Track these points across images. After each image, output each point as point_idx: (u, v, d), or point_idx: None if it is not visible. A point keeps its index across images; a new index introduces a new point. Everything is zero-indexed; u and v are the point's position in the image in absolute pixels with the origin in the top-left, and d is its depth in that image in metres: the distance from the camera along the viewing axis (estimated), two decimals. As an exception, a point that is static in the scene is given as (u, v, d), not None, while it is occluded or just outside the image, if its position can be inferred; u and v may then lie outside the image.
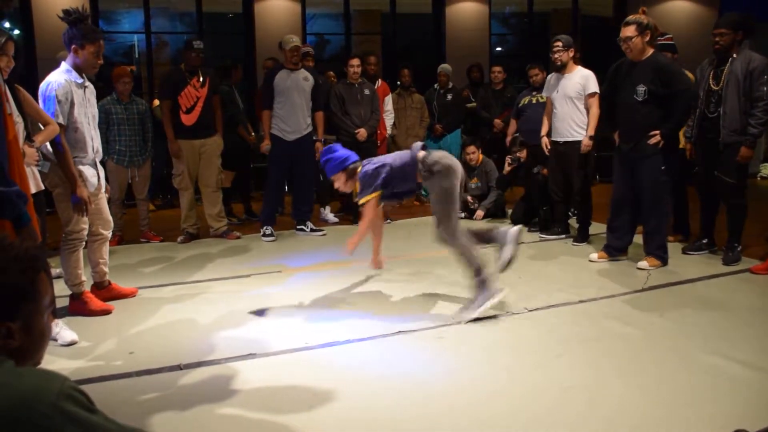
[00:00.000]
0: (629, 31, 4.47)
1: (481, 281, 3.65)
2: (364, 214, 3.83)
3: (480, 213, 6.57)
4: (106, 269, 4.18)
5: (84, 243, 3.92)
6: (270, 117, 5.89)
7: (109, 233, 4.14)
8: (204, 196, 5.93)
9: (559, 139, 5.46)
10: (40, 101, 3.63)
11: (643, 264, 4.65)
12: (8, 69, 3.24)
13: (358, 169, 3.85)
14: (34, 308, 1.28)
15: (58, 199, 3.82)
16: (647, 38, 4.47)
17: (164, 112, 5.71)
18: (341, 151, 3.93)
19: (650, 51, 4.52)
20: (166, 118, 5.69)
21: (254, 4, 9.27)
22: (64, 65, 3.75)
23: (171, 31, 10.91)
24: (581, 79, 5.34)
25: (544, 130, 5.65)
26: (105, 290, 4.17)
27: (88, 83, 3.87)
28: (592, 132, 5.31)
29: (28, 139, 3.34)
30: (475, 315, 3.59)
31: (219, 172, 5.93)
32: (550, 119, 5.58)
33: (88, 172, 3.83)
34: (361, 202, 3.80)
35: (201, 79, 5.72)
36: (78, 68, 3.75)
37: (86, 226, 3.87)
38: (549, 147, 5.59)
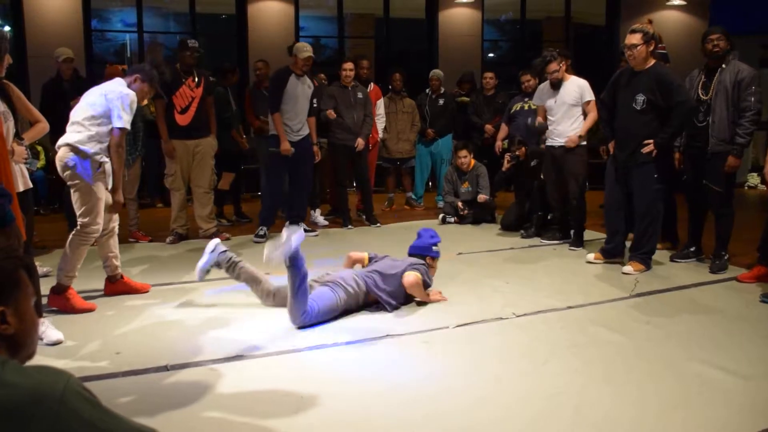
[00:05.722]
0: (635, 38, 4.44)
1: None
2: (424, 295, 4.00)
3: (482, 197, 6.59)
4: (118, 263, 4.18)
5: (94, 240, 3.92)
6: (281, 120, 5.78)
7: (115, 226, 4.15)
8: (195, 196, 5.89)
9: (556, 143, 5.49)
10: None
11: (628, 268, 4.68)
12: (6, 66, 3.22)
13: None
14: (23, 294, 1.30)
15: (76, 192, 3.79)
16: (651, 48, 4.48)
17: (158, 112, 5.68)
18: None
19: (652, 61, 4.54)
20: (160, 118, 5.66)
21: (248, 5, 9.26)
22: None
23: (164, 30, 10.87)
24: (578, 88, 5.41)
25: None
26: (117, 284, 4.18)
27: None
28: (582, 132, 5.37)
29: (18, 136, 3.32)
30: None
31: (212, 173, 5.91)
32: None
33: (108, 168, 3.89)
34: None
35: (196, 79, 5.70)
36: None
37: (102, 223, 3.88)
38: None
